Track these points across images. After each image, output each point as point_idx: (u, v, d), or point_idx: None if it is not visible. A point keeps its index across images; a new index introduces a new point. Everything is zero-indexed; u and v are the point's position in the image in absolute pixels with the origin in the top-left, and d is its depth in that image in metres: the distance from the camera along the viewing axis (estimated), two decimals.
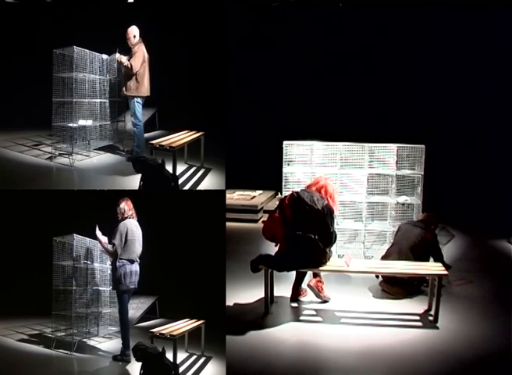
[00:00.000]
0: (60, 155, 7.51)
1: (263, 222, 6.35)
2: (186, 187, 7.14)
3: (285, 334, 5.71)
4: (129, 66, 7.49)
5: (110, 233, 6.00)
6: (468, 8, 9.91)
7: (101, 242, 6.05)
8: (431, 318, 6.03)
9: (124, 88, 7.64)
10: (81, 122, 7.46)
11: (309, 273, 6.45)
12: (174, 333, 6.06)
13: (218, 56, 8.75)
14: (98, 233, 6.03)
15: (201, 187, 7.21)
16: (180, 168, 7.41)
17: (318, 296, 6.39)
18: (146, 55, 7.61)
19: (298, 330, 5.84)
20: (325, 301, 6.42)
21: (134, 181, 6.68)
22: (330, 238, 6.03)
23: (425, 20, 10.41)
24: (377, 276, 6.78)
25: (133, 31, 7.55)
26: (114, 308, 6.71)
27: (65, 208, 7.52)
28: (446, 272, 6.09)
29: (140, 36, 7.59)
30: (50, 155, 7.57)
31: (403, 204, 7.65)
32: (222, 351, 5.49)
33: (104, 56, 7.71)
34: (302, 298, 6.49)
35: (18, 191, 7.05)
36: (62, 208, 7.53)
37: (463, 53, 10.34)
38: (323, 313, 6.19)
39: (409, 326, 5.94)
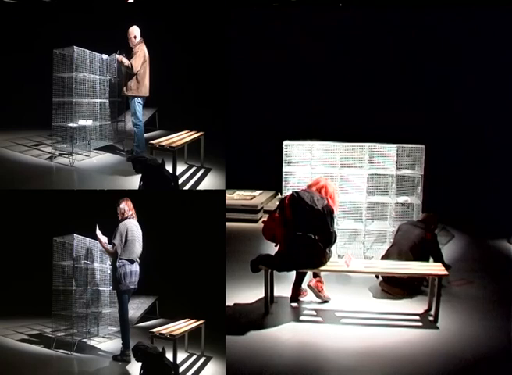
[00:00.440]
0: (60, 155, 7.52)
1: (263, 222, 6.34)
2: (186, 187, 7.14)
3: (285, 334, 5.71)
4: (130, 65, 7.49)
5: (110, 233, 6.00)
6: (468, 8, 9.91)
7: (101, 242, 6.06)
8: (431, 318, 6.03)
9: (124, 88, 7.64)
10: (81, 122, 7.46)
11: (309, 273, 6.45)
12: (174, 333, 6.06)
13: (218, 56, 8.75)
14: (98, 233, 6.04)
15: (201, 187, 7.21)
16: (180, 168, 7.41)
17: (318, 296, 6.39)
18: (147, 55, 7.61)
19: (298, 330, 5.83)
20: (325, 301, 6.42)
21: (134, 181, 6.68)
22: (330, 238, 6.03)
23: (425, 20, 10.40)
24: (377, 277, 6.78)
25: (134, 31, 7.56)
26: (114, 308, 6.71)
27: (65, 208, 7.52)
28: (446, 272, 6.09)
29: (140, 36, 7.60)
30: (50, 155, 7.57)
31: (403, 204, 7.65)
32: (222, 351, 5.49)
33: (104, 56, 7.71)
34: (302, 298, 6.49)
35: (18, 191, 7.05)
36: (62, 208, 7.54)
37: (463, 53, 10.34)
38: (323, 313, 6.19)
39: (409, 326, 5.94)
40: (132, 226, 6.03)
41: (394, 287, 6.55)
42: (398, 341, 5.58)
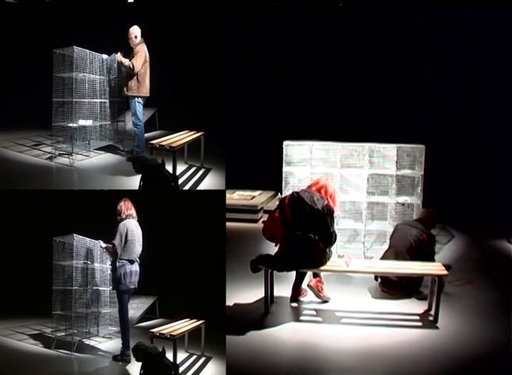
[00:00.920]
0: (60, 155, 7.51)
1: (263, 222, 6.34)
2: (186, 187, 7.14)
3: (285, 334, 5.71)
4: (131, 66, 7.49)
5: (110, 233, 6.00)
6: (468, 8, 9.91)
7: (104, 249, 6.09)
8: (431, 318, 6.03)
9: (125, 88, 7.64)
10: (81, 122, 7.46)
11: (309, 273, 6.45)
12: (174, 333, 6.06)
13: (218, 56, 8.74)
14: (103, 245, 6.05)
15: (201, 187, 7.21)
16: (180, 168, 7.41)
17: (318, 296, 6.39)
18: (147, 55, 7.61)
19: (298, 330, 5.84)
20: (325, 301, 6.42)
21: (134, 181, 6.68)
22: (330, 238, 6.03)
23: (425, 20, 10.41)
24: (376, 279, 6.76)
25: (135, 31, 7.56)
26: (114, 308, 6.71)
27: (65, 208, 7.52)
28: (446, 272, 6.09)
29: (141, 36, 7.60)
30: (50, 155, 7.57)
31: (403, 204, 7.64)
32: (222, 351, 5.49)
33: (104, 56, 7.70)
34: (302, 298, 6.49)
35: (18, 191, 7.05)
36: (62, 208, 7.54)
37: (463, 53, 10.34)
38: (323, 313, 6.19)
39: (409, 326, 5.94)
40: (132, 227, 6.03)
41: (392, 289, 6.54)
42: (398, 341, 5.58)
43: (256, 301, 6.41)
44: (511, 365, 5.25)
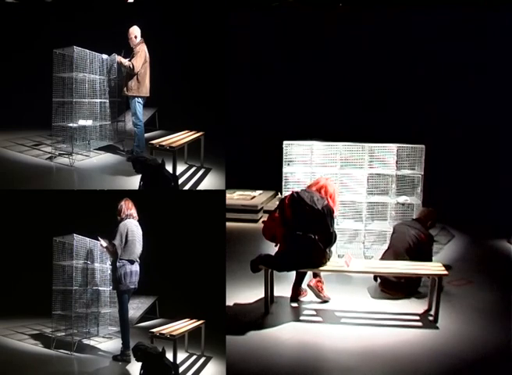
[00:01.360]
0: (60, 155, 7.52)
1: (263, 222, 6.34)
2: (186, 187, 7.14)
3: (285, 334, 5.71)
4: (131, 66, 7.50)
5: (110, 233, 6.00)
6: (468, 8, 9.91)
7: (105, 247, 6.08)
8: (431, 318, 6.03)
9: (125, 88, 7.64)
10: (81, 122, 7.46)
11: (309, 273, 6.45)
12: (174, 333, 6.06)
13: (218, 56, 8.75)
14: (104, 244, 6.04)
15: (201, 187, 7.21)
16: (180, 168, 7.41)
17: (318, 296, 6.39)
18: (147, 55, 7.62)
19: (298, 330, 5.83)
20: (325, 301, 6.42)
21: (134, 181, 6.68)
22: (330, 238, 6.02)
23: (426, 20, 10.40)
24: (375, 279, 6.76)
25: (135, 31, 7.57)
26: (114, 308, 6.71)
27: (65, 208, 7.52)
28: (446, 272, 6.08)
29: (141, 36, 7.60)
30: (50, 155, 7.57)
31: (403, 204, 7.65)
32: (222, 351, 5.49)
33: (104, 56, 7.71)
34: (302, 298, 6.49)
35: (18, 190, 7.05)
36: (62, 208, 7.54)
37: (462, 53, 10.34)
38: (323, 313, 6.19)
39: (409, 326, 5.94)
40: (132, 227, 6.03)
41: (391, 290, 6.53)
42: (398, 341, 5.57)
43: (256, 301, 6.41)
44: (511, 365, 5.25)
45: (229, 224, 8.40)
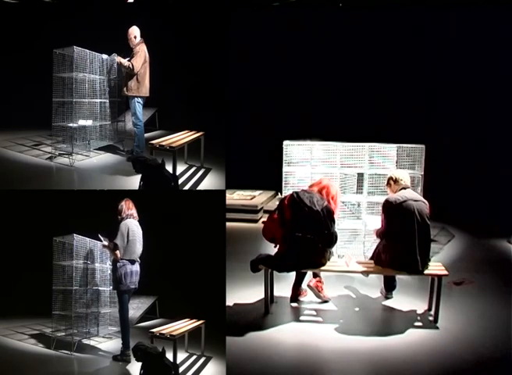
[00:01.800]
0: (60, 155, 7.52)
1: (263, 222, 6.34)
2: (186, 187, 7.14)
3: (285, 335, 5.71)
4: (131, 66, 7.50)
5: (110, 233, 6.00)
6: (469, 7, 9.91)
7: (107, 247, 6.08)
8: (431, 318, 6.03)
9: (125, 88, 7.64)
10: (81, 122, 7.46)
11: (309, 273, 6.45)
12: (174, 333, 6.06)
13: (218, 56, 8.75)
14: (105, 243, 6.04)
15: (201, 187, 7.21)
16: (180, 168, 7.41)
17: (318, 296, 6.39)
18: (147, 55, 7.62)
19: (298, 330, 5.83)
20: (325, 301, 6.42)
21: (134, 181, 6.68)
22: (330, 239, 6.00)
23: (425, 20, 10.41)
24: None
25: (134, 32, 7.57)
26: (114, 308, 6.71)
27: (65, 208, 7.52)
28: (446, 272, 6.08)
29: (140, 36, 7.60)
30: (50, 155, 7.57)
31: None
32: (222, 352, 5.48)
33: (104, 56, 7.71)
34: (302, 298, 6.48)
35: (18, 191, 7.05)
36: (62, 208, 7.54)
37: (462, 53, 10.35)
38: (323, 313, 6.19)
39: (409, 326, 5.93)
40: (132, 226, 6.03)
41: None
42: (398, 341, 5.58)
43: (256, 301, 6.40)
44: (511, 365, 5.24)
45: (229, 224, 8.40)
